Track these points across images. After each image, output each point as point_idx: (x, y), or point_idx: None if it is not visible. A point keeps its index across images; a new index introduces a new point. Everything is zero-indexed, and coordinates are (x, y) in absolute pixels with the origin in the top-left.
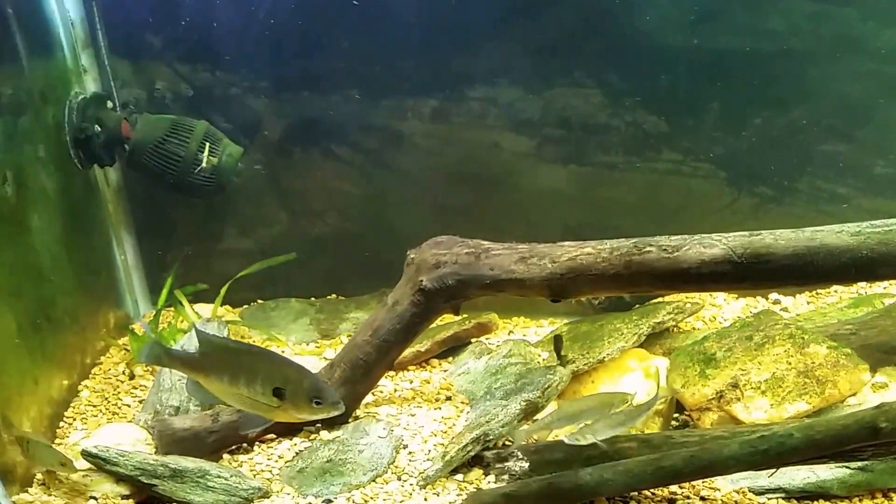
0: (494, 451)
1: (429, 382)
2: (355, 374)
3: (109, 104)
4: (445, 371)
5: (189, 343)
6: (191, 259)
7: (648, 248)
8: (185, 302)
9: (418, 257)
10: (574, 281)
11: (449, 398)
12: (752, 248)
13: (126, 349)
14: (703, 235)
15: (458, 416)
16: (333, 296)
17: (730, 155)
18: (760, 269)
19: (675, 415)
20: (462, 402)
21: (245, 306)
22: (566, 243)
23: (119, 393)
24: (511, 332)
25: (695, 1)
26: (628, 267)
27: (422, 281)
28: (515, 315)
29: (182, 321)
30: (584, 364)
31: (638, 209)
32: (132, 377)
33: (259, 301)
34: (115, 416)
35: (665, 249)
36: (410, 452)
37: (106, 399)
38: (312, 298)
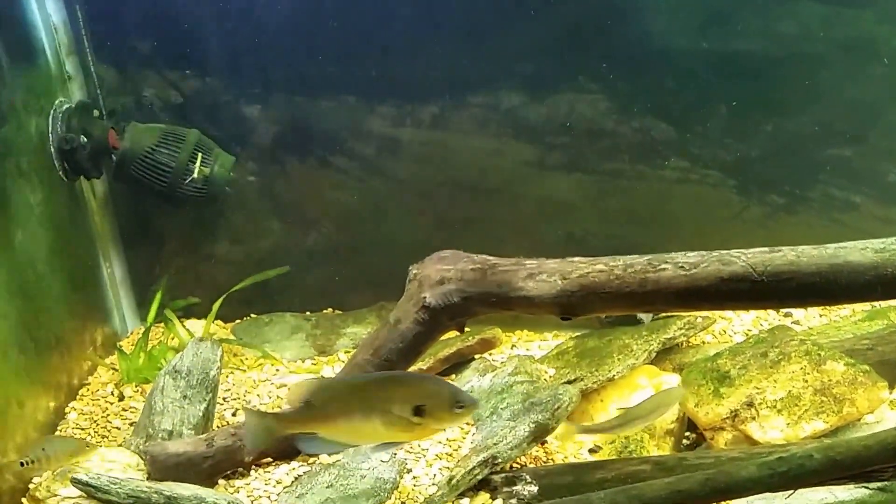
0: (503, 475)
1: None
2: None
3: (95, 113)
4: None
5: (182, 362)
6: (180, 272)
7: (664, 266)
8: (175, 319)
9: (421, 273)
10: (586, 299)
11: None
12: (774, 266)
13: (114, 368)
14: (721, 252)
15: (464, 438)
16: (329, 310)
17: (740, 162)
18: (782, 288)
19: (687, 433)
20: (467, 423)
21: (237, 321)
22: (576, 259)
23: (108, 415)
24: (514, 345)
25: (704, 3)
26: (643, 285)
27: (425, 298)
28: (518, 328)
29: (173, 338)
30: (594, 382)
31: (645, 218)
32: (121, 398)
33: (252, 316)
34: (104, 439)
35: (682, 267)
36: (415, 477)
37: (94, 422)
38: (307, 313)
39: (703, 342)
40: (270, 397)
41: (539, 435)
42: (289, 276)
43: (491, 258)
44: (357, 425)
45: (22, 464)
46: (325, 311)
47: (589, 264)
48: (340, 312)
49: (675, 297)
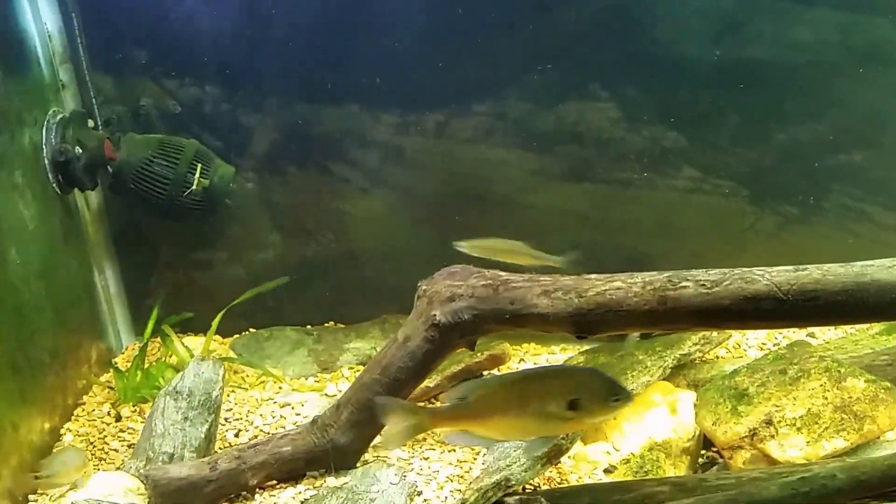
0: (516, 497)
1: None
2: (364, 416)
3: (90, 123)
4: None
5: (183, 383)
6: (176, 286)
7: (685, 284)
8: (173, 336)
9: (431, 289)
10: (603, 317)
11: None
12: (799, 284)
13: (110, 387)
14: (744, 270)
15: (475, 459)
16: (331, 323)
17: (753, 172)
18: (807, 307)
19: (702, 451)
20: None
21: (236, 336)
22: (592, 276)
23: (105, 437)
24: (522, 360)
25: (718, 10)
26: (663, 303)
27: (435, 315)
28: (525, 342)
29: (171, 355)
30: None
31: (654, 229)
32: (118, 419)
33: (251, 330)
34: (102, 462)
35: (703, 285)
36: (426, 500)
37: (91, 444)
38: (308, 326)
39: (717, 357)
40: (274, 417)
41: (553, 456)
42: (288, 288)
43: (502, 273)
44: (511, 421)
45: (36, 477)
46: (326, 325)
47: (606, 281)
48: (342, 326)
49: (695, 316)
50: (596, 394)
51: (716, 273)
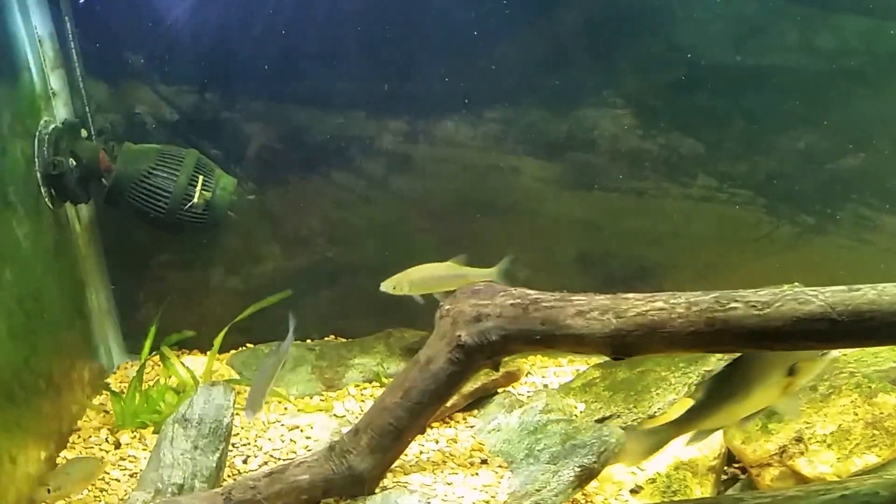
0: None
1: (456, 441)
2: (384, 442)
3: (83, 132)
4: (472, 427)
5: (192, 410)
6: (172, 301)
7: (734, 305)
8: (172, 356)
9: (454, 309)
10: (643, 338)
11: (485, 461)
12: (854, 305)
13: (105, 410)
14: (795, 290)
15: (499, 483)
16: (332, 337)
17: (770, 180)
18: (862, 328)
19: (724, 468)
20: (500, 467)
21: (233, 352)
22: (630, 295)
23: (104, 465)
24: (529, 373)
25: (739, 15)
26: (710, 324)
27: (460, 336)
28: (532, 354)
29: (171, 378)
30: (633, 420)
31: (667, 239)
32: (118, 445)
33: (249, 345)
34: (103, 493)
35: (754, 306)
36: None
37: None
38: (309, 341)
39: None
40: (283, 441)
41: (584, 479)
42: (288, 301)
43: (530, 291)
44: (737, 405)
45: (49, 490)
46: (327, 339)
47: (646, 301)
48: (344, 340)
49: (745, 338)
50: (810, 355)
51: (766, 293)
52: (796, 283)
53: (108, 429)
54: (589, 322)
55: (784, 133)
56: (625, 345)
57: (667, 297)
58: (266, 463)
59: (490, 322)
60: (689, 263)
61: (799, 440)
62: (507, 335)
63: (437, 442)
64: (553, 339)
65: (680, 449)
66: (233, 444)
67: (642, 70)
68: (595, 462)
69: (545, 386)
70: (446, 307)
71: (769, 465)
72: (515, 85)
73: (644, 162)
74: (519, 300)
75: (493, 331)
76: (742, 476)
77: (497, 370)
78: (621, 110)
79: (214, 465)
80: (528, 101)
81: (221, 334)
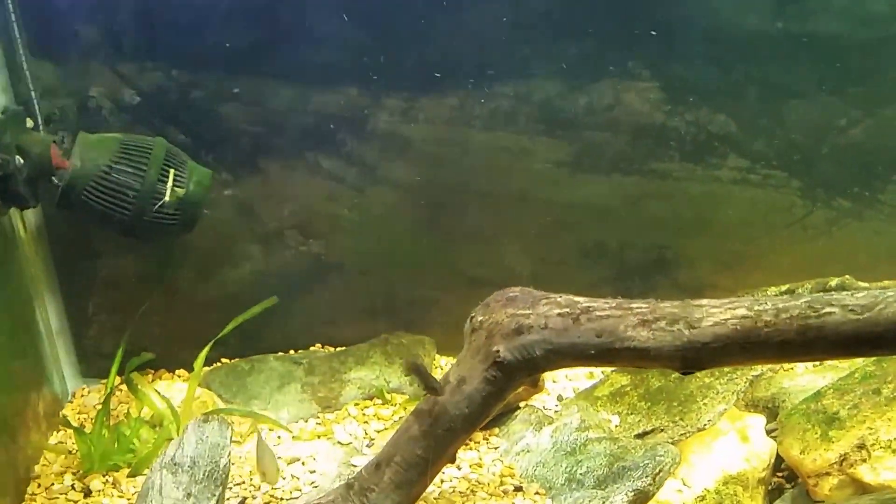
0: None
1: (481, 466)
2: (411, 476)
3: (29, 122)
4: (496, 449)
5: (182, 452)
6: (132, 315)
7: (829, 310)
8: (145, 385)
9: (489, 320)
10: (722, 351)
11: (519, 488)
12: None
13: (69, 451)
14: (893, 291)
15: None
16: (318, 346)
17: (807, 161)
18: None
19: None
20: (538, 493)
21: (206, 369)
22: (703, 302)
23: None
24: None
25: None
26: (803, 333)
27: (498, 352)
28: None
29: (144, 409)
30: (682, 434)
31: (691, 226)
32: (88, 493)
33: (224, 360)
34: None
35: (853, 310)
36: None
37: None
38: (293, 352)
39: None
40: (284, 478)
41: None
42: (268, 308)
43: (579, 299)
44: None
45: None
46: (313, 349)
47: (724, 308)
48: (332, 349)
49: (841, 346)
50: None
51: (864, 295)
52: (847, 277)
53: (73, 473)
54: (655, 333)
55: (826, 107)
56: (699, 358)
57: (749, 304)
58: None
59: (534, 335)
60: (712, 254)
61: (861, 447)
62: (554, 349)
63: (459, 468)
64: (611, 354)
65: (726, 461)
66: None
67: (671, 38)
68: (650, 485)
69: (559, 397)
70: (479, 318)
71: (828, 474)
72: (531, 56)
73: (669, 141)
74: (567, 308)
75: (538, 345)
76: (788, 486)
77: (535, 386)
78: (646, 83)
79: None
80: (544, 74)
81: (203, 354)
